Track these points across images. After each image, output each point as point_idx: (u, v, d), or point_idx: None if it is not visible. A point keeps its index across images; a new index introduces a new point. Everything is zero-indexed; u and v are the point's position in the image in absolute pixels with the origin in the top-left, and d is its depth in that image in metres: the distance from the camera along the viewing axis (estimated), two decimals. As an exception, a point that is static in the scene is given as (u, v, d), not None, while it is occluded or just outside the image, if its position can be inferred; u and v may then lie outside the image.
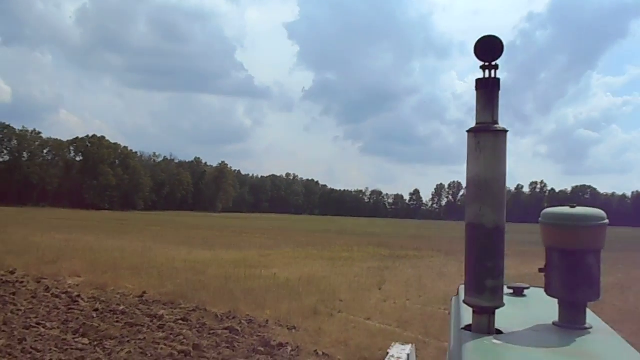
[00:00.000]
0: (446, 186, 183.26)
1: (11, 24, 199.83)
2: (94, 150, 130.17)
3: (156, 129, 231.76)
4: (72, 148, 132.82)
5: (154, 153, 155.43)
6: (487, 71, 1.86)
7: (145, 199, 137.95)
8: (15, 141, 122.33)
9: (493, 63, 1.85)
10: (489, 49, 1.84)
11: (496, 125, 1.82)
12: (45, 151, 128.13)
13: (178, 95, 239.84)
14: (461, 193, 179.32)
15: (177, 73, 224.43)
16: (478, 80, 1.88)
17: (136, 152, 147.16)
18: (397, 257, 24.98)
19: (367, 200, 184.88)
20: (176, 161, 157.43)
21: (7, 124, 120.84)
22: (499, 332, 1.81)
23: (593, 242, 1.88)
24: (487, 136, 1.80)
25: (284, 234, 40.70)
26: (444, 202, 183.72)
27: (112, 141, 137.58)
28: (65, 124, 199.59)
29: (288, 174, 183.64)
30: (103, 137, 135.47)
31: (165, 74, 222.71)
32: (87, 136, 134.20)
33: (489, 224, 1.78)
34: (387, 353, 2.83)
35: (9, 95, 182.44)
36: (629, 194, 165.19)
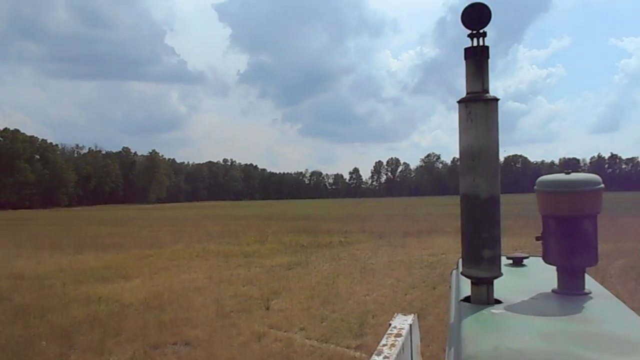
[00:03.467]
0: (385, 163, 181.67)
1: None
2: (8, 145, 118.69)
3: (83, 120, 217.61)
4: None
5: (77, 145, 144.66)
6: (475, 39, 1.80)
7: (69, 194, 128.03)
8: None
9: (481, 31, 1.78)
10: (476, 16, 1.77)
11: (487, 94, 1.77)
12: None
13: (105, 84, 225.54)
14: (399, 169, 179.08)
15: (104, 60, 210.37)
16: (467, 49, 1.81)
17: (57, 145, 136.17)
18: (317, 247, 20.17)
19: (307, 182, 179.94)
20: (103, 152, 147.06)
21: None
22: (498, 302, 1.77)
23: (589, 207, 1.83)
24: (478, 106, 1.75)
25: (198, 225, 35.13)
26: (383, 179, 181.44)
27: (36, 135, 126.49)
28: None
29: (225, 160, 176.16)
30: (17, 131, 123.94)
31: (91, 61, 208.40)
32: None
33: (484, 194, 1.75)
34: (390, 324, 2.67)
35: None
36: (556, 161, 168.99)
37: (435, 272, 13.65)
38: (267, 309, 9.88)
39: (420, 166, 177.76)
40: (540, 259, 1.99)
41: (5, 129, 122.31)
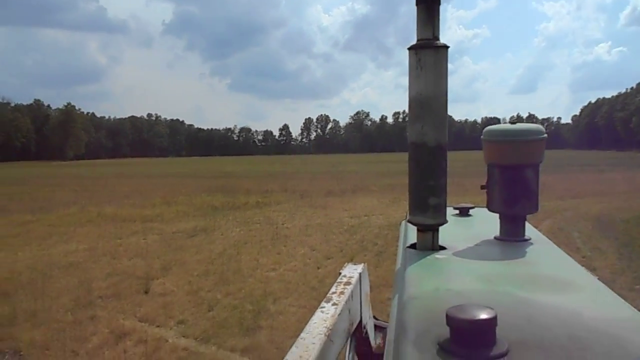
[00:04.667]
0: (314, 120, 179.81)
1: None
2: None
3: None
4: None
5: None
6: None
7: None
8: None
9: None
10: None
11: (437, 42, 1.72)
12: None
13: (15, 30, 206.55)
14: (329, 126, 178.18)
15: (12, 4, 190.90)
16: None
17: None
18: (231, 209, 18.30)
19: (236, 139, 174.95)
20: (11, 105, 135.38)
21: None
22: (442, 248, 1.81)
23: (531, 156, 1.86)
24: (428, 53, 1.71)
25: (106, 184, 32.09)
26: (312, 136, 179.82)
27: None
28: None
29: (150, 115, 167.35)
30: None
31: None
32: None
33: (431, 142, 1.74)
34: (340, 273, 2.27)
35: None
36: (479, 120, 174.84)
37: (355, 238, 12.24)
38: (146, 292, 8.01)
39: (350, 123, 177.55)
40: (485, 209, 2.04)
41: None
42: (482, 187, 1.97)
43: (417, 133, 1.75)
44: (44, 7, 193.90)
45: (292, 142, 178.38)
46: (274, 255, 10.57)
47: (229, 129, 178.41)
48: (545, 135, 1.86)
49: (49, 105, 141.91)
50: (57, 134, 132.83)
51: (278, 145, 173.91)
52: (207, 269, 9.45)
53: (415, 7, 1.75)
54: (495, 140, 1.89)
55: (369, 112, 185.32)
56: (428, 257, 1.72)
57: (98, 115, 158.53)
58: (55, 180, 38.55)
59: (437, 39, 1.72)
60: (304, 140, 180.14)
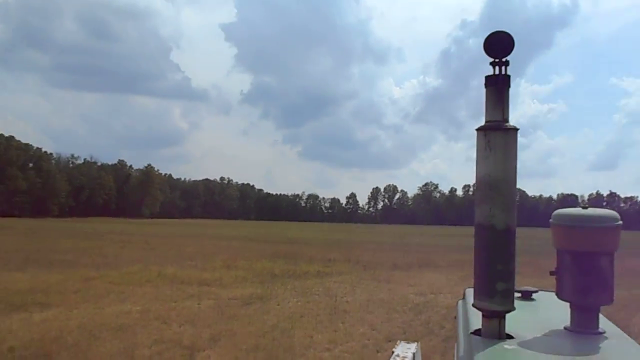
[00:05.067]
0: (382, 189, 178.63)
1: None
2: (2, 152, 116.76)
3: (84, 131, 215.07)
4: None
5: (72, 155, 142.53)
6: (497, 67, 1.76)
7: (60, 205, 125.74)
8: None
9: (503, 59, 1.75)
10: (499, 44, 1.74)
11: (507, 124, 1.73)
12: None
13: (109, 97, 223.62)
14: (397, 196, 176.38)
15: (109, 73, 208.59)
16: (487, 77, 1.77)
17: (52, 154, 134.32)
18: (290, 277, 17.69)
19: (303, 205, 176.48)
20: (98, 164, 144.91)
21: None
22: (509, 336, 1.72)
23: (606, 244, 1.77)
24: (497, 135, 1.71)
25: (174, 244, 32.60)
26: (379, 206, 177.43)
27: (36, 144, 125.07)
28: None
29: (222, 178, 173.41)
30: (12, 137, 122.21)
31: (96, 73, 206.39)
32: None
33: (500, 225, 1.69)
34: (393, 352, 2.58)
35: None
36: (554, 196, 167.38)
37: (420, 318, 11.21)
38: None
39: (418, 194, 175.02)
40: (549, 293, 2.06)
41: (0, 136, 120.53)
42: (552, 273, 1.90)
43: (485, 215, 1.71)
44: (137, 76, 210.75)
45: (359, 211, 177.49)
46: (330, 332, 9.76)
47: (297, 195, 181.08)
48: (621, 222, 1.77)
49: (131, 166, 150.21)
50: (136, 192, 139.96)
51: (344, 213, 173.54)
52: (257, 343, 8.78)
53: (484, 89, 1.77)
54: (567, 225, 1.81)
55: (437, 184, 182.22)
56: (496, 346, 1.63)
57: (175, 177, 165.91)
58: (128, 237, 39.81)
59: (507, 121, 1.72)
60: (370, 209, 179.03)
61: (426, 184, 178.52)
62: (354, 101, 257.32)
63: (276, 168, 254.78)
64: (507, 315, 1.74)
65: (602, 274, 1.78)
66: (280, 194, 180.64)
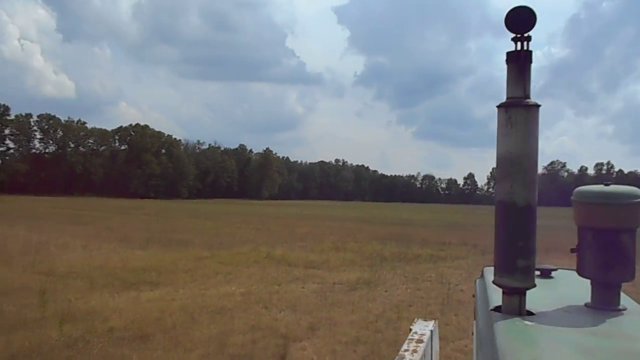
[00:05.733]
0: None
1: (70, 20, 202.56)
2: (138, 139, 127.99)
3: (208, 118, 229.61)
4: (116, 137, 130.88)
5: (198, 141, 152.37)
6: (518, 43, 1.74)
7: (189, 187, 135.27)
8: (61, 132, 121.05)
9: (525, 35, 1.73)
10: (520, 19, 1.71)
11: (528, 100, 1.71)
12: (90, 141, 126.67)
13: (230, 85, 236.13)
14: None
15: (229, 62, 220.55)
16: (509, 53, 1.75)
17: (180, 140, 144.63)
18: (401, 260, 16.74)
19: (419, 186, 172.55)
20: (221, 149, 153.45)
21: (52, 114, 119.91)
22: (530, 313, 1.73)
23: (628, 220, 1.76)
24: (518, 111, 1.70)
25: (287, 225, 32.99)
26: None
27: (168, 131, 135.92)
28: (125, 116, 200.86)
29: (337, 160, 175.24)
30: (146, 126, 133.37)
31: (218, 63, 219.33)
32: (131, 125, 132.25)
33: (521, 202, 1.70)
34: (410, 329, 2.61)
35: (72, 91, 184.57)
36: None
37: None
38: (282, 359, 6.88)
39: (543, 174, 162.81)
40: (569, 272, 2.10)
41: (136, 125, 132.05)
42: (572, 250, 1.91)
43: (505, 192, 1.72)
44: (254, 65, 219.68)
45: (478, 192, 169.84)
46: (441, 326, 8.71)
47: (412, 176, 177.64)
48: None
49: (251, 150, 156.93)
50: (256, 175, 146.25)
51: (462, 194, 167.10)
52: (358, 335, 8.03)
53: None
54: (588, 203, 1.82)
55: (565, 163, 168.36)
56: (517, 322, 1.65)
57: (292, 160, 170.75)
58: (245, 217, 41.25)
59: (528, 97, 1.71)
60: (490, 190, 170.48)
61: (552, 163, 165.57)
62: (471, 77, 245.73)
63: (391, 149, 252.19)
64: (528, 293, 1.74)
65: (623, 251, 1.78)
66: (395, 175, 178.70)
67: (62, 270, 12.96)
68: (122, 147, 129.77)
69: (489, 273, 1.97)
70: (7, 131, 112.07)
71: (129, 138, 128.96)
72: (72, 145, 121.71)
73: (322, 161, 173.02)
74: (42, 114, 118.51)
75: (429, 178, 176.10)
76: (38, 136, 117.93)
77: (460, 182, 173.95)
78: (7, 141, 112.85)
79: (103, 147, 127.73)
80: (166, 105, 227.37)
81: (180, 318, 8.67)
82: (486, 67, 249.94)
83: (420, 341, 2.74)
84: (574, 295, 1.93)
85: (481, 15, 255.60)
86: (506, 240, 1.73)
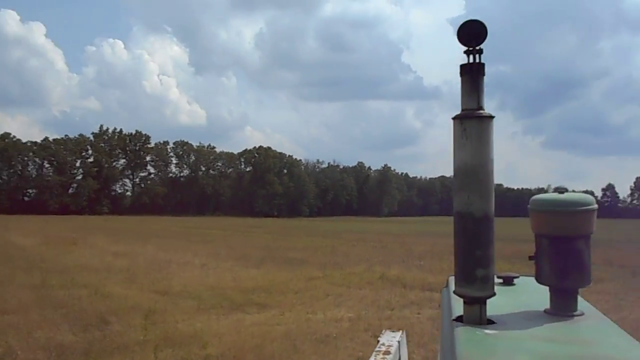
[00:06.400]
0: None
1: (200, 54, 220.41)
2: (261, 161, 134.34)
3: (327, 137, 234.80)
4: (242, 159, 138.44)
5: (318, 160, 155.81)
6: (471, 56, 1.81)
7: (310, 206, 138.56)
8: (193, 156, 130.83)
9: (477, 47, 1.80)
10: (472, 33, 1.79)
11: (482, 111, 1.77)
12: (219, 164, 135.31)
13: (347, 104, 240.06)
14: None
15: (346, 82, 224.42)
16: (462, 66, 1.83)
17: (300, 160, 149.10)
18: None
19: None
20: (340, 167, 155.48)
21: (185, 140, 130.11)
22: (490, 322, 1.75)
23: (582, 227, 1.82)
24: (472, 122, 1.76)
25: (405, 242, 31.65)
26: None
27: (289, 152, 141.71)
28: (250, 139, 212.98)
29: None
30: (269, 148, 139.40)
31: (335, 84, 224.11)
32: (255, 147, 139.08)
33: (477, 212, 1.73)
34: (378, 341, 2.67)
35: (203, 118, 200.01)
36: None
37: None
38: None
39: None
40: (531, 278, 2.05)
41: (260, 147, 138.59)
42: (530, 258, 1.95)
43: (463, 203, 1.76)
44: (370, 82, 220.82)
45: (619, 204, 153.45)
46: None
47: (542, 188, 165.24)
48: (596, 206, 1.83)
49: (369, 167, 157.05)
50: (375, 192, 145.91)
51: (601, 207, 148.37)
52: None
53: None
54: (544, 210, 1.87)
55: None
56: (477, 332, 1.68)
57: (411, 175, 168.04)
58: (362, 235, 40.58)
59: (482, 108, 1.77)
60: (634, 202, 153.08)
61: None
62: (606, 80, 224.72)
63: (517, 161, 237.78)
64: (489, 301, 1.75)
65: (579, 257, 1.82)
66: (523, 189, 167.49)
67: (177, 290, 13.12)
68: (248, 169, 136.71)
69: (452, 283, 1.98)
70: (148, 158, 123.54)
71: (253, 160, 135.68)
72: (203, 169, 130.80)
73: (442, 176, 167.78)
74: (177, 141, 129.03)
75: (561, 190, 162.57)
76: (174, 161, 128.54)
77: (598, 193, 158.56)
78: (149, 167, 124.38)
79: (230, 169, 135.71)
80: (287, 127, 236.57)
81: (281, 346, 8.04)
82: (623, 68, 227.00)
83: (387, 352, 2.74)
84: (534, 302, 1.95)
85: (615, 11, 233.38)
86: (465, 251, 1.75)
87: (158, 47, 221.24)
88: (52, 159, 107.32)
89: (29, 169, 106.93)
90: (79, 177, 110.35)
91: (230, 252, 23.90)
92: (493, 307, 1.78)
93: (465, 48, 1.80)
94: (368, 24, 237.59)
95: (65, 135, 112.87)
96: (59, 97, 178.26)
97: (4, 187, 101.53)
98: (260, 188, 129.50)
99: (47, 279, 13.73)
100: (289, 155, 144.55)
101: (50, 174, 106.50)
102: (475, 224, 1.71)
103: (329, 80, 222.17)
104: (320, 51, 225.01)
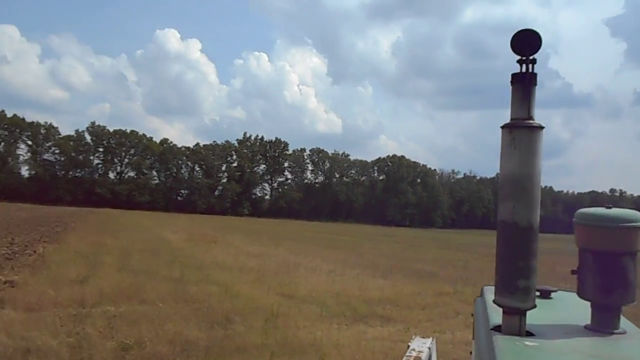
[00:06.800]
0: None
1: (338, 64, 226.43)
2: (395, 169, 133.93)
3: (463, 147, 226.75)
4: (375, 168, 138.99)
5: (453, 170, 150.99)
6: (523, 65, 1.79)
7: (443, 217, 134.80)
8: (328, 163, 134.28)
9: (530, 57, 1.79)
10: (526, 42, 1.77)
11: (532, 121, 1.76)
12: (352, 171, 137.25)
13: (486, 112, 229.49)
14: None
15: (485, 90, 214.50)
16: (514, 75, 1.81)
17: (435, 170, 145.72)
18: None
19: None
20: (477, 178, 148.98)
21: (321, 148, 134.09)
22: (529, 333, 1.74)
23: (629, 244, 1.79)
24: (522, 132, 1.74)
25: (548, 262, 28.86)
26: None
27: (423, 162, 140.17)
28: (384, 148, 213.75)
29: (613, 190, 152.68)
30: (403, 157, 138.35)
31: (473, 92, 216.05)
32: (388, 156, 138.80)
33: (522, 223, 1.72)
34: (408, 346, 2.57)
35: (339, 127, 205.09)
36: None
37: None
38: None
39: None
40: (568, 293, 2.14)
41: (393, 156, 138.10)
42: (573, 272, 1.92)
43: (508, 212, 1.75)
44: (509, 90, 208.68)
45: None
46: None
47: None
48: None
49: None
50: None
51: None
52: None
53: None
54: (589, 225, 1.83)
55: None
56: (517, 343, 1.64)
57: (555, 189, 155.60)
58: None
59: (532, 118, 1.76)
60: None
61: None
62: None
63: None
64: (528, 313, 1.74)
65: (624, 274, 1.77)
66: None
67: (302, 294, 13.08)
68: (381, 177, 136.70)
69: (489, 292, 2.00)
70: (286, 164, 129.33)
71: (386, 168, 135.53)
72: (337, 176, 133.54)
73: (593, 191, 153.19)
74: (313, 148, 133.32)
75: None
76: (310, 168, 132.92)
77: None
78: (286, 172, 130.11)
79: (363, 177, 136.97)
80: (422, 136, 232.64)
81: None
82: None
83: (418, 358, 2.74)
84: (573, 317, 1.93)
85: None
86: (507, 261, 1.75)
87: (299, 58, 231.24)
88: (202, 163, 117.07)
89: (182, 172, 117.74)
90: (224, 180, 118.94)
91: (358, 259, 23.66)
92: (532, 319, 1.78)
93: (517, 57, 1.79)
94: (511, 29, 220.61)
95: (214, 142, 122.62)
96: (210, 107, 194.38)
97: (161, 187, 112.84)
98: (392, 197, 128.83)
99: (186, 273, 14.51)
100: (423, 165, 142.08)
101: (200, 176, 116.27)
102: (519, 234, 1.71)
103: (467, 88, 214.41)
104: (458, 58, 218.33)
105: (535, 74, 1.77)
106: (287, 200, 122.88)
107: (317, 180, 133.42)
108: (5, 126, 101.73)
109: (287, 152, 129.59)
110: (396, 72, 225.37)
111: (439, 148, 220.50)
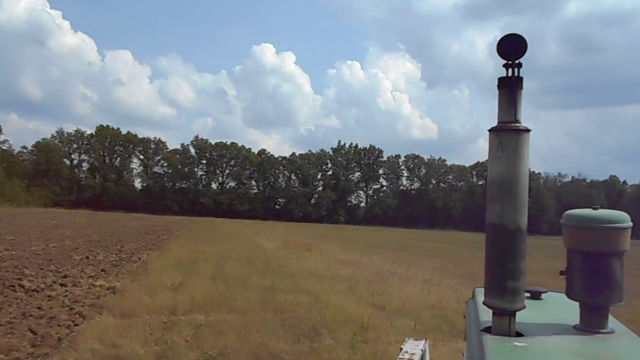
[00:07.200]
0: None
1: (432, 69, 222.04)
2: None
3: (571, 148, 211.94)
4: (474, 173, 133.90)
5: (559, 173, 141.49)
6: (509, 69, 1.84)
7: (550, 223, 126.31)
8: (424, 169, 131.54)
9: (516, 61, 1.84)
10: (511, 47, 1.82)
11: (518, 124, 1.80)
12: (450, 177, 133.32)
13: (595, 111, 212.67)
14: None
15: (594, 87, 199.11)
16: (501, 79, 1.85)
17: (540, 173, 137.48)
18: None
19: None
20: (587, 181, 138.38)
21: (416, 154, 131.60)
22: (519, 334, 1.76)
23: (616, 244, 1.81)
24: (509, 135, 1.77)
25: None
26: None
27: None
28: (483, 152, 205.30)
29: None
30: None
31: (580, 90, 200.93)
32: (486, 161, 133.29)
33: (510, 225, 1.75)
34: (401, 349, 2.58)
35: (435, 132, 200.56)
36: None
37: None
38: None
39: None
40: (558, 294, 2.12)
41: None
42: (561, 273, 1.97)
43: (496, 214, 1.79)
44: (624, 86, 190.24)
45: None
46: None
47: None
48: (630, 223, 1.82)
49: (624, 182, 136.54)
50: (632, 210, 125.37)
51: None
52: None
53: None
54: (577, 226, 1.89)
55: None
56: (507, 344, 1.65)
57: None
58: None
59: (518, 121, 1.81)
60: None
61: None
62: None
63: None
64: (517, 314, 1.77)
65: (611, 274, 1.79)
66: None
67: (396, 305, 12.44)
68: (480, 182, 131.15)
69: (480, 294, 1.97)
70: (381, 171, 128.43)
71: (485, 173, 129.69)
72: (434, 182, 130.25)
73: None
74: (409, 154, 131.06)
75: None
76: (405, 174, 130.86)
77: None
78: (381, 179, 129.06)
79: (461, 183, 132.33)
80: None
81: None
82: None
83: None
84: (563, 317, 1.96)
85: None
86: (496, 262, 1.78)
87: (391, 65, 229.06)
88: (298, 171, 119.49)
89: (280, 181, 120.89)
90: (320, 189, 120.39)
91: (456, 268, 22.48)
92: (521, 320, 1.81)
93: (504, 61, 1.82)
94: (623, 19, 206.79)
95: (309, 151, 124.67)
96: (305, 117, 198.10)
97: (259, 196, 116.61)
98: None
99: (277, 281, 14.41)
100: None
101: (296, 185, 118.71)
102: (508, 236, 1.76)
103: (573, 85, 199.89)
104: (562, 55, 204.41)
105: (521, 78, 1.81)
106: (382, 207, 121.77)
107: (412, 187, 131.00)
108: (121, 142, 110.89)
109: (382, 159, 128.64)
110: (494, 73, 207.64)
111: (543, 150, 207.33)
